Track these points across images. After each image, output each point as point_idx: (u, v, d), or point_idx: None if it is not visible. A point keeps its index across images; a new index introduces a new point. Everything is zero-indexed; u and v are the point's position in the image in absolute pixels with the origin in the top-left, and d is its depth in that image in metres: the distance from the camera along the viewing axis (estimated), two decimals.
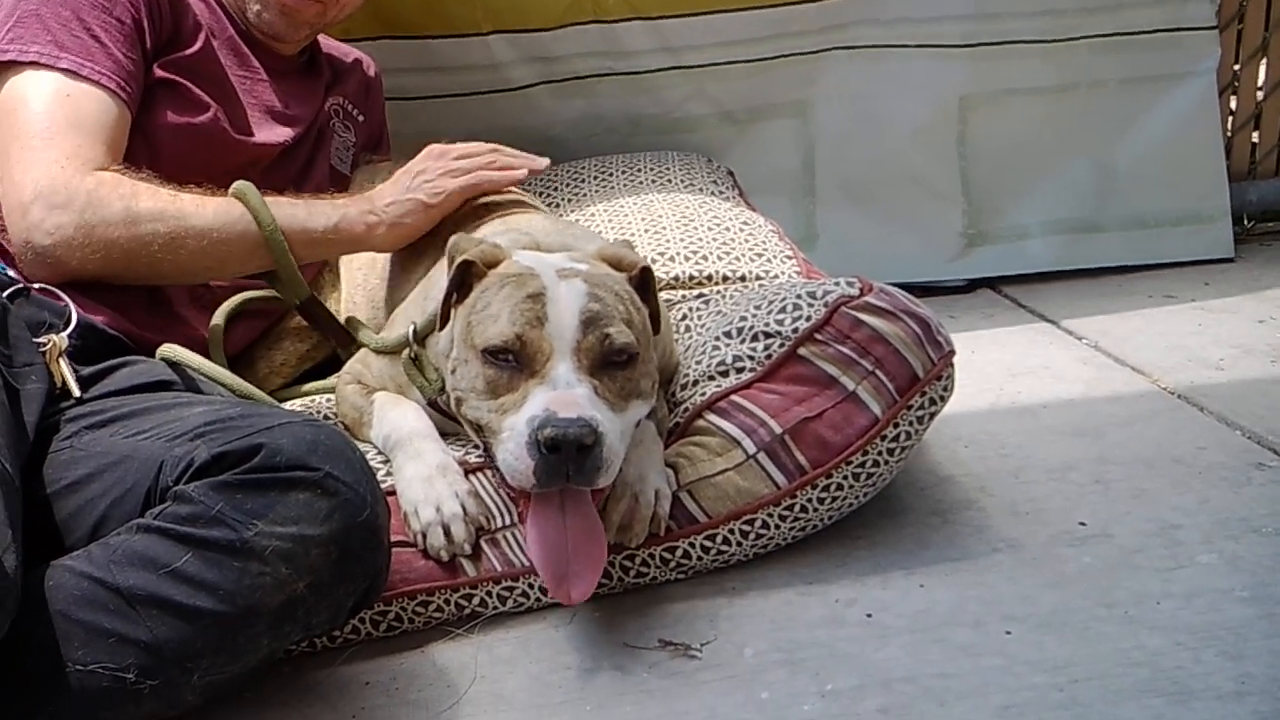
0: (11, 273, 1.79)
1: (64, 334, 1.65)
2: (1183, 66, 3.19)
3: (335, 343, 2.11)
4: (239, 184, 1.89)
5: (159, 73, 1.96)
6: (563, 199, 2.70)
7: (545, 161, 2.17)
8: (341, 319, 2.10)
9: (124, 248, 1.78)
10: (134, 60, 1.91)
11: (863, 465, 1.76)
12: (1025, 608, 1.62)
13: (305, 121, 2.24)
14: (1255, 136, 3.50)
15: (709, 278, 2.28)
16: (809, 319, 1.81)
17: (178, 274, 1.89)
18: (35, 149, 1.78)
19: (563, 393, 1.53)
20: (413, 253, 2.10)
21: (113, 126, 1.86)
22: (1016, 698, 1.43)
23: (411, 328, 1.82)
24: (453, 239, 1.76)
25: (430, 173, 2.06)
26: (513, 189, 2.22)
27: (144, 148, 1.93)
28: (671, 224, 2.42)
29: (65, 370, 1.61)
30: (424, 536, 1.66)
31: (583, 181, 2.76)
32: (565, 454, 1.48)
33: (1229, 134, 3.42)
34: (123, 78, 1.88)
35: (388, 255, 2.18)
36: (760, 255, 2.35)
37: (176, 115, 1.97)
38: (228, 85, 2.09)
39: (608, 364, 1.59)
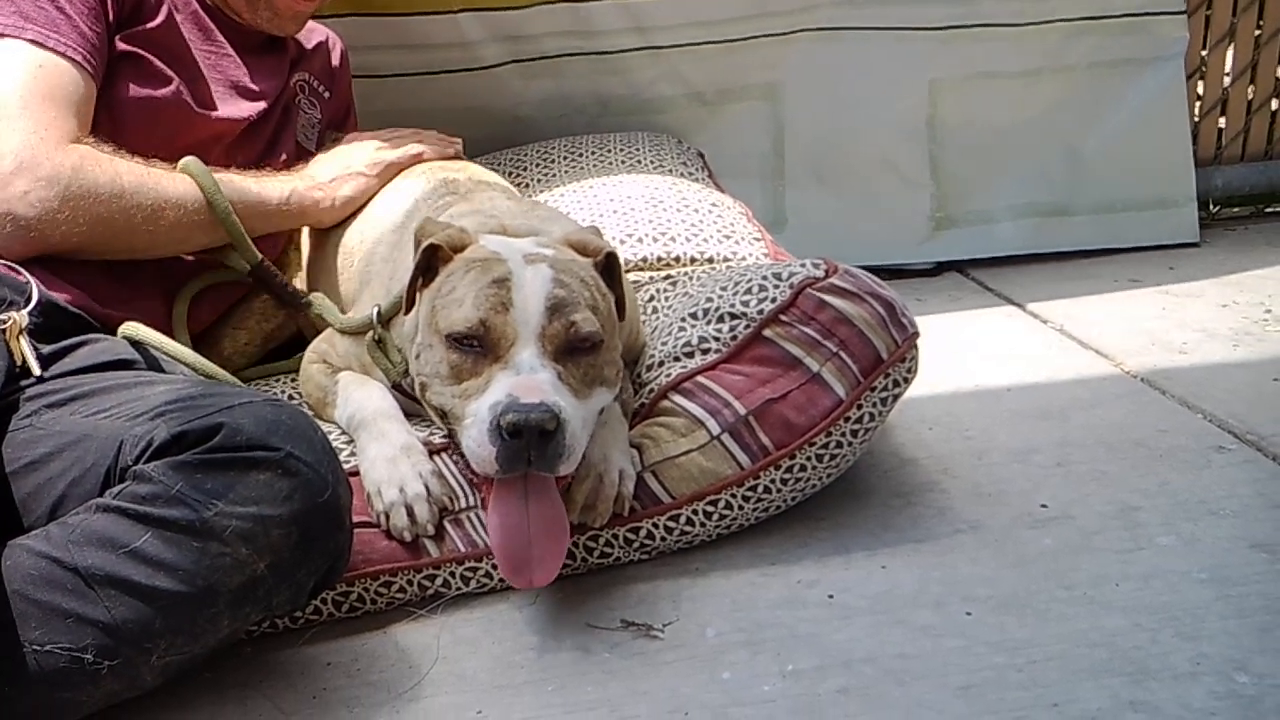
0: None
1: (24, 311, 1.62)
2: (1151, 51, 3.21)
3: (288, 308, 2.15)
4: (184, 160, 1.94)
5: (121, 45, 1.95)
6: (532, 179, 2.69)
7: (459, 144, 2.38)
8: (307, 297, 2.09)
9: (108, 221, 1.80)
10: (98, 33, 1.90)
11: (826, 447, 1.77)
12: (986, 589, 1.63)
13: (270, 97, 2.22)
14: (1222, 122, 3.52)
15: (677, 259, 2.28)
16: (774, 300, 1.82)
17: (150, 247, 1.90)
18: (10, 118, 1.76)
19: (526, 378, 1.52)
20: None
21: (82, 99, 1.85)
22: (976, 678, 1.45)
23: (375, 310, 1.81)
24: (419, 222, 1.75)
25: (365, 149, 2.24)
26: (481, 171, 2.24)
27: (107, 121, 1.91)
28: (640, 205, 2.41)
29: (25, 348, 1.58)
30: (387, 517, 1.66)
31: (552, 162, 2.75)
32: (527, 439, 1.47)
33: (1196, 119, 3.45)
34: (88, 50, 1.87)
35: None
36: (729, 237, 2.35)
37: (138, 88, 1.96)
38: (190, 59, 2.07)
39: (572, 350, 1.58)
